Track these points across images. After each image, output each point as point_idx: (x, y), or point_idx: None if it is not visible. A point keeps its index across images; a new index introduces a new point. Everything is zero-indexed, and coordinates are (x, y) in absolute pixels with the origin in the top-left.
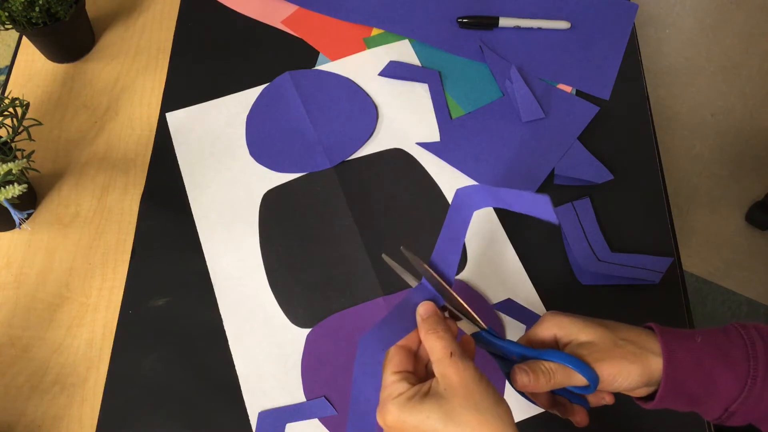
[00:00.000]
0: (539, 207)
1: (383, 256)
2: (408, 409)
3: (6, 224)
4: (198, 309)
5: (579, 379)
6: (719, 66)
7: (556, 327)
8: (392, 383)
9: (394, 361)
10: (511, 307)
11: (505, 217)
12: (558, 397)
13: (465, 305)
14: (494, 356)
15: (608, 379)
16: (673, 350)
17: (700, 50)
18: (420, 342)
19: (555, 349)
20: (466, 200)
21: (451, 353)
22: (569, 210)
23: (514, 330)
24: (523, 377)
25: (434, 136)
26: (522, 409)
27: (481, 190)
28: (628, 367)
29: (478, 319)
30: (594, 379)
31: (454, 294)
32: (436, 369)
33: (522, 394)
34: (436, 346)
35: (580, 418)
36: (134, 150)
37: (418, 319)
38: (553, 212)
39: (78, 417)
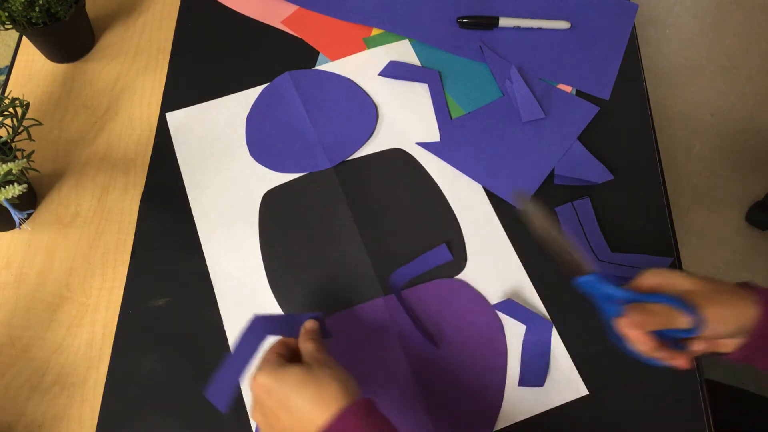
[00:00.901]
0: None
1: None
2: (277, 369)
3: (6, 224)
4: (198, 309)
5: (684, 321)
6: (719, 66)
7: (658, 276)
8: (271, 354)
9: (277, 345)
10: (511, 307)
11: (506, 217)
12: (661, 342)
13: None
14: (600, 301)
15: (711, 322)
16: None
17: (700, 50)
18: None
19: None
20: (260, 327)
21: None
22: (569, 210)
23: (514, 329)
24: (635, 315)
25: (434, 136)
26: (522, 409)
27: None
28: (728, 311)
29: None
30: (699, 320)
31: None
32: (301, 346)
33: (622, 344)
34: (308, 347)
35: (683, 361)
36: (134, 150)
37: (302, 329)
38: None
39: (78, 417)
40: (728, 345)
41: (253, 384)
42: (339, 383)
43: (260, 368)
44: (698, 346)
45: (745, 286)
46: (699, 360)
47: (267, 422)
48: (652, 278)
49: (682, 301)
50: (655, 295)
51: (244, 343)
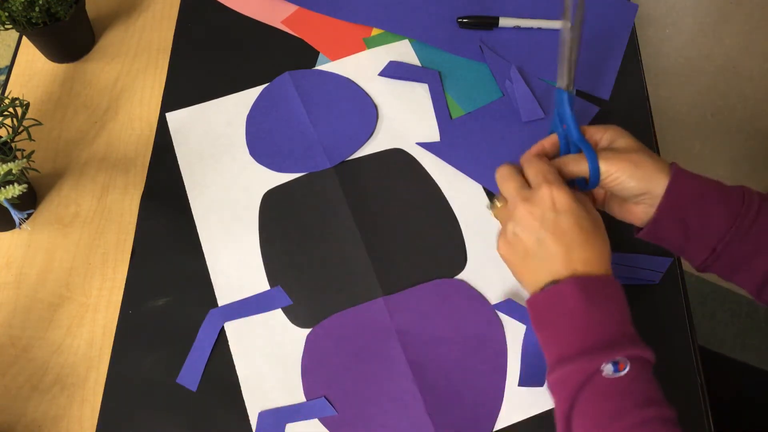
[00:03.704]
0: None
1: None
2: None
3: (6, 224)
4: (198, 309)
5: (583, 168)
6: (719, 66)
7: (611, 132)
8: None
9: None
10: (511, 307)
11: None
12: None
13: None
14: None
15: (610, 176)
16: (680, 176)
17: (700, 50)
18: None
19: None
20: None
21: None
22: None
23: (514, 329)
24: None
25: (434, 136)
26: (522, 409)
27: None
28: (632, 170)
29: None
30: (594, 170)
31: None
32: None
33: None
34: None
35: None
36: (134, 150)
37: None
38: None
39: (78, 417)
40: (639, 216)
41: (545, 194)
42: (591, 246)
43: (558, 184)
44: (598, 195)
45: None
46: (698, 360)
47: (521, 243)
48: (604, 132)
49: (591, 152)
50: (582, 141)
51: (204, 335)
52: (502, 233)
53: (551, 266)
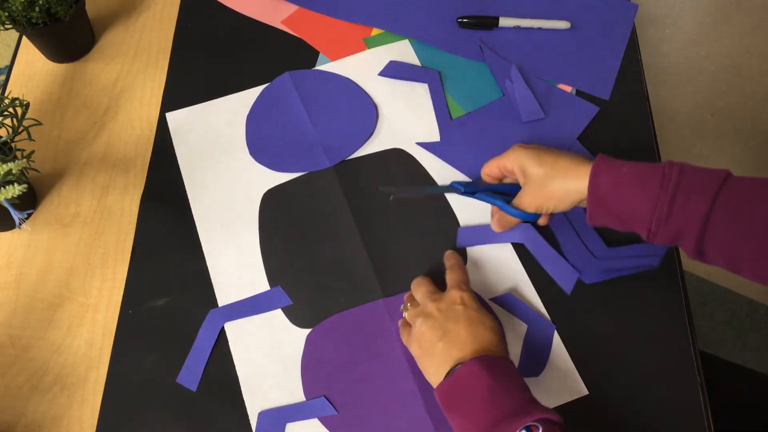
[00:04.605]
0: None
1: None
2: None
3: (6, 224)
4: (198, 309)
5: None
6: (719, 66)
7: (516, 161)
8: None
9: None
10: (510, 301)
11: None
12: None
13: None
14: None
15: (541, 211)
16: (598, 174)
17: (700, 50)
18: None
19: (512, 182)
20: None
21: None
22: (561, 216)
23: (514, 328)
24: (495, 226)
25: (434, 136)
26: None
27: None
28: (556, 200)
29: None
30: (523, 215)
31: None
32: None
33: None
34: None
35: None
36: (134, 150)
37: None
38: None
39: (78, 417)
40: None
41: (455, 294)
42: (494, 333)
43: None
44: (542, 221)
45: (587, 160)
46: (698, 360)
47: (427, 335)
48: (512, 162)
49: (507, 207)
50: (490, 194)
51: (204, 335)
52: (411, 331)
53: (455, 352)
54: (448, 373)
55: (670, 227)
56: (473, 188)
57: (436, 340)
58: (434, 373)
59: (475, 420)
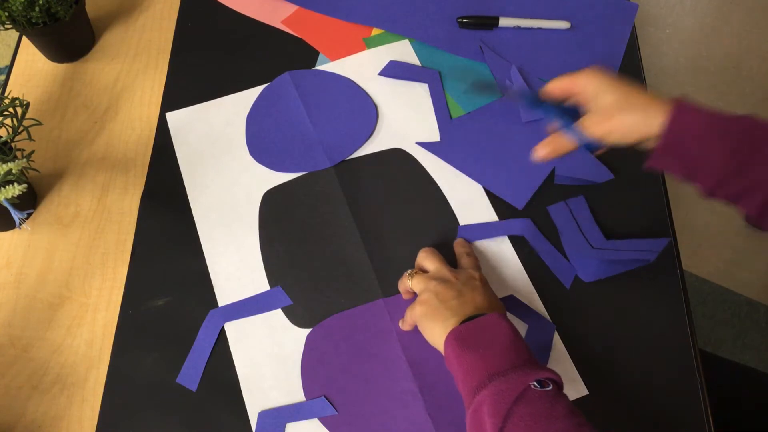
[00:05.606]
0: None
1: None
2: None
3: (6, 224)
4: (198, 309)
5: (574, 145)
6: (719, 66)
7: (591, 83)
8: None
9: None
10: (513, 303)
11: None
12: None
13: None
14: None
15: (613, 134)
16: (677, 115)
17: (700, 50)
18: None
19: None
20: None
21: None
22: (563, 207)
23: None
24: (545, 149)
25: (434, 136)
26: None
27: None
28: (623, 131)
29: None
30: (585, 141)
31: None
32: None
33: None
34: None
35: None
36: (134, 150)
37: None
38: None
39: (78, 417)
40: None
41: (468, 272)
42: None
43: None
44: (602, 150)
45: (663, 98)
46: (698, 360)
47: (441, 293)
48: (584, 84)
49: (577, 132)
50: (557, 109)
51: (204, 335)
52: (420, 294)
53: (469, 309)
54: (463, 322)
55: (739, 183)
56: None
57: (450, 298)
58: (442, 325)
59: (496, 359)
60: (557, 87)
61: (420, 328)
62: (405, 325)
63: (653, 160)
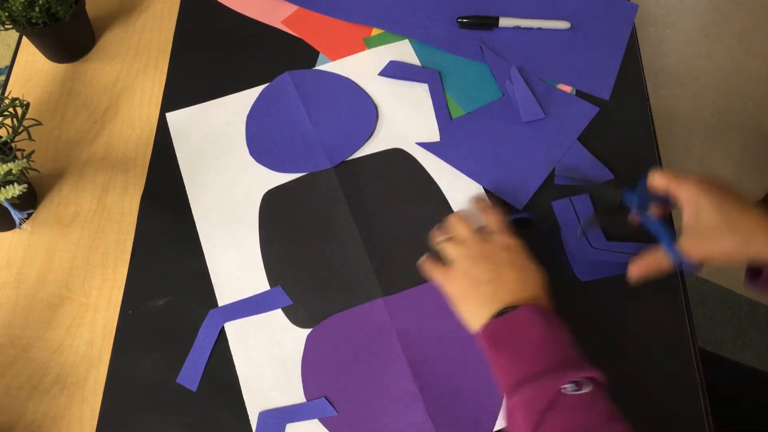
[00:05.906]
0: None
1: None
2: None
3: (6, 224)
4: (198, 309)
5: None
6: (719, 66)
7: (692, 199)
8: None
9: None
10: None
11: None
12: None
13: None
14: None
15: (702, 263)
16: None
17: (700, 50)
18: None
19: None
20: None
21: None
22: (567, 205)
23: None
24: (639, 270)
25: (434, 136)
26: None
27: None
28: (724, 259)
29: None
30: (683, 263)
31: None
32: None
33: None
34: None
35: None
36: (134, 150)
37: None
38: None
39: (78, 417)
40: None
41: (499, 237)
42: (542, 284)
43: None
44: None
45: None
46: (698, 360)
47: (474, 276)
48: (664, 182)
49: (675, 252)
50: (661, 226)
51: (204, 335)
52: (450, 269)
53: (505, 296)
54: (496, 315)
55: None
56: (644, 203)
57: (486, 282)
58: (475, 314)
59: (526, 362)
60: (661, 184)
61: (450, 303)
62: (428, 274)
63: (763, 285)
